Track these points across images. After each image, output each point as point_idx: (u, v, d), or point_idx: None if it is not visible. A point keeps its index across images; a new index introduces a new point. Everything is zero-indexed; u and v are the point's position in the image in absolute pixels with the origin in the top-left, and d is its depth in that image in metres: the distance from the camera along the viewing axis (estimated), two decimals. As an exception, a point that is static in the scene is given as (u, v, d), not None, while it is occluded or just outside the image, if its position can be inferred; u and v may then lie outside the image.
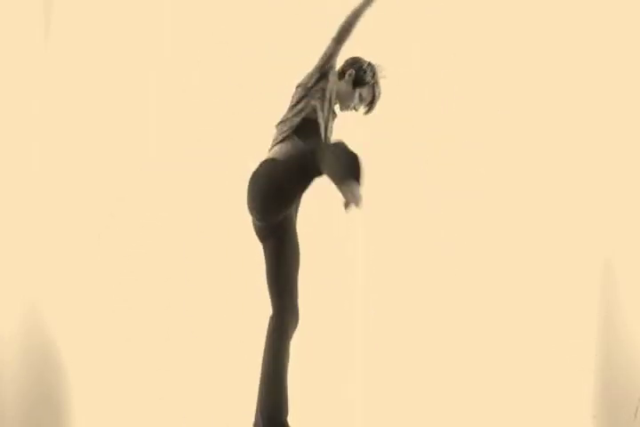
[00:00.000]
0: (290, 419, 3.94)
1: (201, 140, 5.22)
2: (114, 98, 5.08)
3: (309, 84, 4.09)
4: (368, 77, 4.21)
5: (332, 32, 4.02)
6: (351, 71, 4.20)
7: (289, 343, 3.99)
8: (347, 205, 3.47)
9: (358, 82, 4.20)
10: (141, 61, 5.14)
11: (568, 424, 4.87)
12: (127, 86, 5.11)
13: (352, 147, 3.59)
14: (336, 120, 4.27)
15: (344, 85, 4.21)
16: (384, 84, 4.26)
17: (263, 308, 5.24)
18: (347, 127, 4.39)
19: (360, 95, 4.22)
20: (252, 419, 4.03)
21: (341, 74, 4.22)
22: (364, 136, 4.93)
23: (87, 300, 4.94)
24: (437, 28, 5.24)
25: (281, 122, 4.12)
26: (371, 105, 4.26)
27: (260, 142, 5.28)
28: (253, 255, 5.25)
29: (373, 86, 4.23)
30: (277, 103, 5.16)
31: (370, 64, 4.24)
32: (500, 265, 5.13)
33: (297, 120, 4.06)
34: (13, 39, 4.75)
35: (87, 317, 4.93)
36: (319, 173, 3.71)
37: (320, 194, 4.93)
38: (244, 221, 5.28)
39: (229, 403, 5.06)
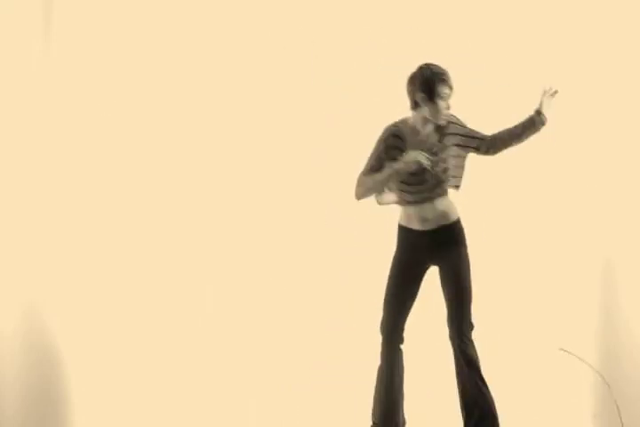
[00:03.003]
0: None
1: (200, 141, 5.22)
2: (113, 97, 5.08)
3: None
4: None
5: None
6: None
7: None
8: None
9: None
10: (140, 61, 5.15)
11: (568, 424, 4.88)
12: (126, 85, 5.11)
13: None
14: None
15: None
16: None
17: (262, 308, 5.27)
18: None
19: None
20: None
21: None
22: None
23: (87, 299, 4.94)
24: (437, 29, 5.26)
25: None
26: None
27: (259, 143, 5.31)
28: (253, 256, 5.29)
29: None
30: (277, 103, 5.20)
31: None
32: (500, 265, 5.13)
33: None
34: (13, 39, 4.75)
35: (87, 316, 4.94)
36: None
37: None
38: (244, 222, 5.31)
39: (229, 403, 5.06)
